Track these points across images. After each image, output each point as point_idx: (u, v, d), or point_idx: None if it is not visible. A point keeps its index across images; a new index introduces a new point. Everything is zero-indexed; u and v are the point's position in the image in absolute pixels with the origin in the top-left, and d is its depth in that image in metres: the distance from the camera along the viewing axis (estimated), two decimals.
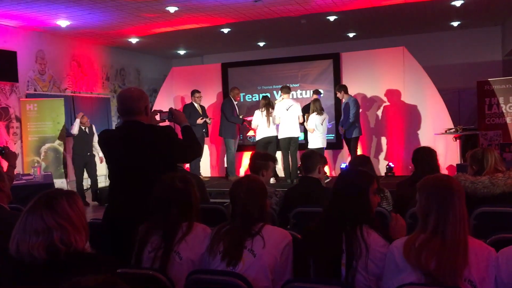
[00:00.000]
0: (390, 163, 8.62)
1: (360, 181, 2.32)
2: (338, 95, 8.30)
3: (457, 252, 1.85)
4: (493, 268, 1.87)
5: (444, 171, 8.11)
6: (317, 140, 7.97)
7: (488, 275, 1.86)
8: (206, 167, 9.57)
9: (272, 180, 8.12)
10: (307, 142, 8.12)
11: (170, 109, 3.06)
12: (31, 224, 1.68)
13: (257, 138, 8.33)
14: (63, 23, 8.52)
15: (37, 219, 1.68)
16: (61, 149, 8.99)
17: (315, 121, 7.92)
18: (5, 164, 3.66)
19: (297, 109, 8.15)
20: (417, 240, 1.93)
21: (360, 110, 8.36)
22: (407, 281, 1.88)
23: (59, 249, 1.66)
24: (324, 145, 8.05)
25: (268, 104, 8.30)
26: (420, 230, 1.98)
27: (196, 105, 8.77)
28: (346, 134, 8.19)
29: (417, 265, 1.88)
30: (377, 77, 8.84)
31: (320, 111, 7.95)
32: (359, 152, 8.68)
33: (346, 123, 8.10)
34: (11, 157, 3.53)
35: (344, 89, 8.23)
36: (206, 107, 9.20)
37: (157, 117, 3.02)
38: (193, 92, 8.82)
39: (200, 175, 8.48)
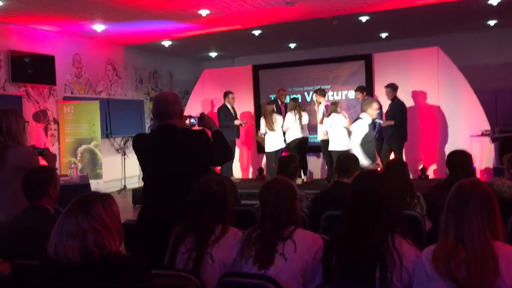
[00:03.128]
0: (424, 166, 8.47)
1: (380, 188, 2.24)
2: (359, 97, 8.10)
3: (485, 262, 1.80)
4: None
5: (479, 174, 7.91)
6: (339, 142, 7.76)
7: None
8: (236, 169, 9.63)
9: (299, 181, 8.14)
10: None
11: (201, 114, 3.10)
12: (67, 227, 1.74)
13: (288, 140, 8.39)
14: (98, 27, 8.74)
15: (73, 222, 1.73)
16: (97, 150, 9.22)
17: (326, 123, 7.96)
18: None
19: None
20: (445, 249, 1.89)
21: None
22: None
23: (93, 252, 1.70)
24: (347, 148, 7.79)
25: (299, 106, 8.42)
26: (443, 238, 1.93)
27: (229, 106, 8.85)
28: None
29: (447, 275, 1.85)
30: (411, 78, 8.69)
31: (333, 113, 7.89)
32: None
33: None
34: (51, 158, 3.62)
35: (366, 90, 8.22)
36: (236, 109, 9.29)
37: (187, 122, 3.06)
38: (227, 94, 8.89)
39: (232, 176, 8.57)
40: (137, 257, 1.82)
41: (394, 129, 7.62)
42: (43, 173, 2.83)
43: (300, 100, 9.20)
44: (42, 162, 3.45)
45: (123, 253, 1.83)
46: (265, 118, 8.46)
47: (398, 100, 7.81)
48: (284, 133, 8.49)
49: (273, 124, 8.37)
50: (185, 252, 2.36)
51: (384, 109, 7.94)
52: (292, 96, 9.11)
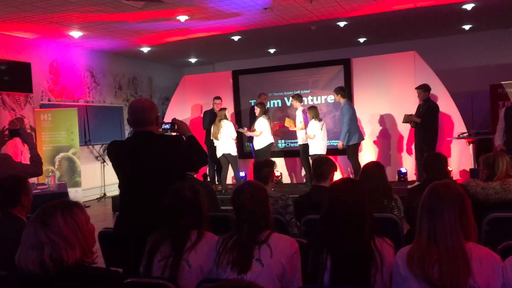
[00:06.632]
0: (403, 169, 8.57)
1: (359, 197, 2.26)
2: (335, 98, 8.17)
3: (457, 261, 1.84)
4: (499, 275, 1.85)
5: (457, 175, 8.05)
6: (318, 146, 7.97)
7: (494, 282, 1.84)
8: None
9: None
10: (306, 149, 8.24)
11: (173, 119, 3.08)
12: (27, 238, 1.72)
13: (263, 145, 8.28)
14: (75, 34, 8.65)
15: (32, 234, 1.71)
16: (76, 158, 9.09)
17: (316, 127, 7.96)
18: (27, 155, 3.62)
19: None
20: (418, 249, 1.92)
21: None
22: None
23: (48, 266, 1.67)
24: (325, 152, 7.97)
25: (268, 111, 8.54)
26: (417, 239, 1.96)
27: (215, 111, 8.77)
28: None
29: (421, 275, 1.88)
30: (388, 82, 8.81)
31: (319, 117, 8.09)
32: (370, 158, 8.64)
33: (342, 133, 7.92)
34: (28, 138, 3.52)
35: (342, 92, 7.99)
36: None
37: (160, 128, 3.03)
38: (214, 99, 8.89)
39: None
40: (107, 269, 1.78)
41: (424, 131, 7.52)
42: (15, 182, 2.79)
43: (280, 105, 9.28)
44: (24, 161, 3.38)
45: (94, 263, 1.79)
46: (214, 124, 8.21)
47: (432, 102, 7.69)
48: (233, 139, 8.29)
49: (218, 132, 8.11)
50: (161, 260, 2.33)
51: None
52: (257, 102, 8.91)
